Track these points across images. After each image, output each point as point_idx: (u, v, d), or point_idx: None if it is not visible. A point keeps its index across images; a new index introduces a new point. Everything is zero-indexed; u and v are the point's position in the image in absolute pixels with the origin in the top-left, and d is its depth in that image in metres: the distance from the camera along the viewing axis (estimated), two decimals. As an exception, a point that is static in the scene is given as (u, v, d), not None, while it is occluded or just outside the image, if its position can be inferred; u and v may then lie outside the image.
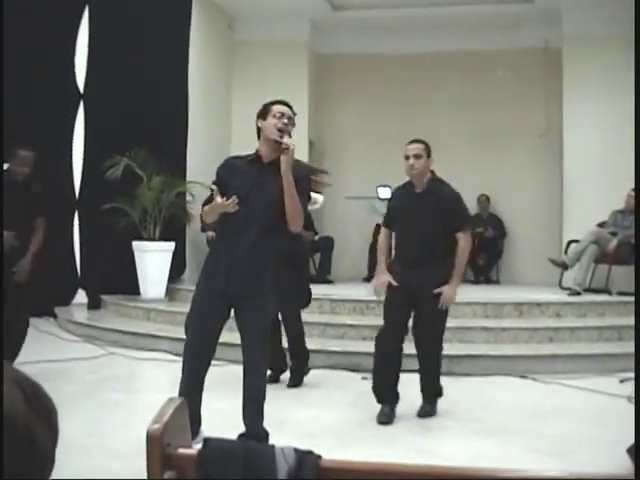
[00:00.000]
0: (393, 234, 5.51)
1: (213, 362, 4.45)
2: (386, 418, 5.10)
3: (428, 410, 5.27)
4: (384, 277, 5.22)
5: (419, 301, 5.08)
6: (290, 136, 4.22)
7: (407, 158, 5.13)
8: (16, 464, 0.88)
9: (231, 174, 4.27)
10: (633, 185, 8.69)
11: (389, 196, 8.36)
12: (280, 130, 4.20)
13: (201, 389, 4.36)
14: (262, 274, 4.29)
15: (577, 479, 1.43)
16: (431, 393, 5.31)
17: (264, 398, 4.32)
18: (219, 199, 4.13)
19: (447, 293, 5.07)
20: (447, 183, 5.26)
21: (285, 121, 4.25)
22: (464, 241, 5.18)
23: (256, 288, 4.26)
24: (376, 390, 5.22)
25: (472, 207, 11.09)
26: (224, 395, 5.12)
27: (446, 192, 5.19)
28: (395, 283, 5.13)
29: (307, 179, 4.40)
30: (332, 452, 1.62)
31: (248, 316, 4.27)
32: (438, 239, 5.09)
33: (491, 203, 11.21)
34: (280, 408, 5.11)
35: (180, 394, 4.17)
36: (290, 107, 4.36)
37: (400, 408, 5.48)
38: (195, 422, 4.17)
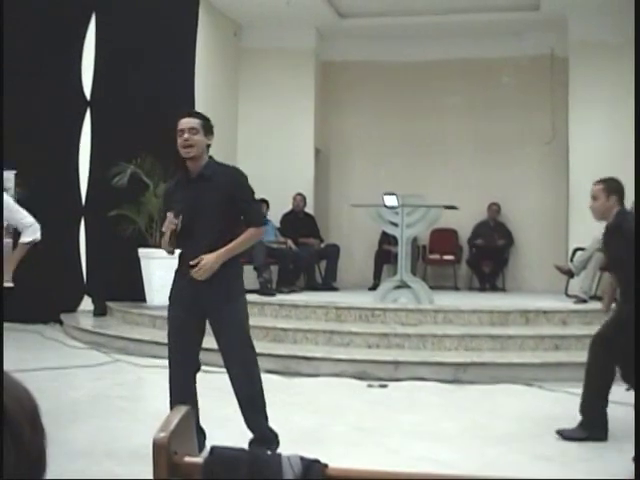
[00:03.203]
0: None
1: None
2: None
3: None
4: None
5: None
6: (191, 145, 4.27)
7: None
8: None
9: (170, 197, 4.34)
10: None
11: (395, 204, 8.40)
12: (183, 147, 4.27)
13: (194, 401, 4.32)
14: (228, 279, 4.30)
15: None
16: None
17: (262, 399, 4.32)
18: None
19: None
20: None
21: (185, 136, 4.27)
22: None
23: (225, 294, 4.27)
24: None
25: (481, 214, 11.10)
26: (229, 403, 5.12)
27: None
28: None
29: (239, 178, 4.39)
30: (338, 460, 1.61)
31: (223, 323, 4.28)
32: None
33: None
34: (286, 416, 5.10)
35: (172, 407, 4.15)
36: (193, 115, 4.38)
37: (404, 416, 5.48)
38: (198, 435, 4.15)
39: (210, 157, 4.39)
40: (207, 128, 4.36)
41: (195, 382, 4.39)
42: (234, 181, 4.31)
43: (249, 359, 4.34)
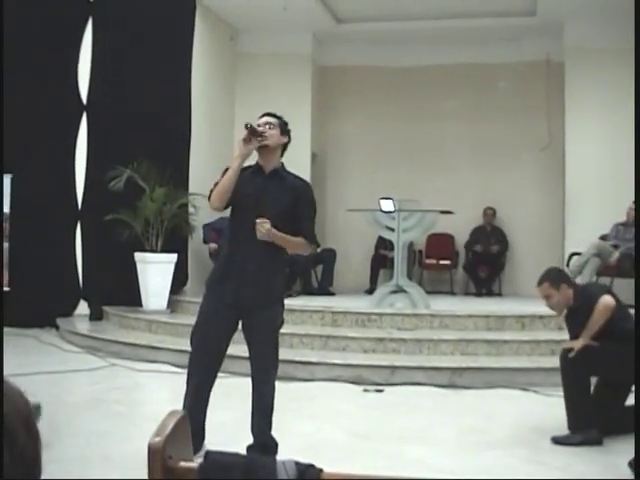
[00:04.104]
0: None
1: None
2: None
3: None
4: None
5: None
6: (264, 137, 4.28)
7: None
8: None
9: (239, 182, 4.25)
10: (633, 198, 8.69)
11: (392, 208, 8.41)
12: (259, 132, 4.27)
13: (206, 404, 4.34)
14: (273, 283, 4.29)
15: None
16: None
17: (273, 408, 4.32)
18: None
19: None
20: None
21: (263, 128, 4.31)
22: None
23: (267, 298, 4.26)
24: None
25: (477, 219, 11.11)
26: (227, 407, 5.12)
27: None
28: None
29: (310, 193, 4.42)
30: (333, 465, 1.62)
31: (258, 326, 4.25)
32: None
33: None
34: (281, 420, 5.10)
35: (184, 408, 4.14)
36: (274, 116, 4.43)
37: (400, 421, 5.48)
38: (199, 437, 4.16)
39: (282, 163, 4.42)
40: (284, 129, 4.41)
41: (213, 384, 4.36)
42: (304, 194, 4.36)
43: (274, 366, 4.36)
